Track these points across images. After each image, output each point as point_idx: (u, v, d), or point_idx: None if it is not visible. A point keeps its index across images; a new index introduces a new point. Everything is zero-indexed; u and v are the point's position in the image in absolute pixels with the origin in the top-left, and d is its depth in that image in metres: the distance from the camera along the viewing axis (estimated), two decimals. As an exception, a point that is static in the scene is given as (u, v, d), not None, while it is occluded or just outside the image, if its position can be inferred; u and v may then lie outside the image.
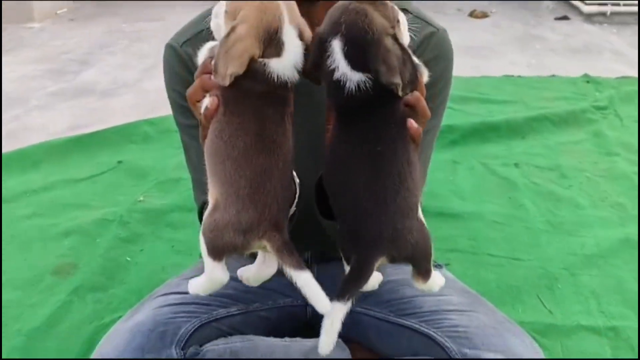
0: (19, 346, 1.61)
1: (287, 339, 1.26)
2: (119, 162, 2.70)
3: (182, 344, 1.13)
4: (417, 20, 1.16)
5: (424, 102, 0.91)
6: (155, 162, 2.68)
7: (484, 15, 5.49)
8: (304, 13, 1.09)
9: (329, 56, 0.87)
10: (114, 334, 1.16)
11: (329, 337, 0.88)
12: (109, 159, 2.72)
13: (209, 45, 0.92)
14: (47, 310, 1.74)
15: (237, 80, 0.84)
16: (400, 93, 0.86)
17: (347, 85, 0.87)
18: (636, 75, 3.75)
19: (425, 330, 1.20)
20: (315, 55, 0.89)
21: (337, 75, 0.87)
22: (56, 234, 2.14)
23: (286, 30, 0.87)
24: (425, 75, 0.93)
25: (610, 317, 1.70)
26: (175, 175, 2.52)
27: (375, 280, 1.00)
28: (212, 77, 0.86)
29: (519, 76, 3.83)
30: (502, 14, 5.44)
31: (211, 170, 0.90)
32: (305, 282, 0.87)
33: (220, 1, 0.91)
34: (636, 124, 3.05)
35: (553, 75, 3.83)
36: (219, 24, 0.90)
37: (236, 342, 1.20)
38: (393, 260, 0.91)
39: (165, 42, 1.23)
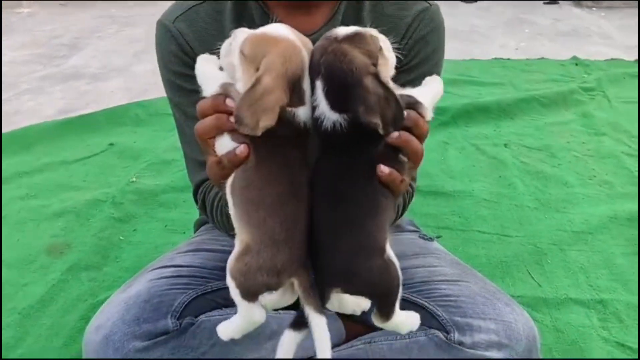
0: (13, 324, 1.62)
1: (281, 311, 1.27)
2: (111, 144, 2.70)
3: (177, 315, 1.14)
4: None
5: (416, 144, 0.89)
6: (146, 144, 2.68)
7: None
8: (299, 22, 1.11)
9: (314, 93, 0.87)
10: (109, 305, 1.17)
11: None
12: (101, 141, 2.72)
13: (219, 80, 0.89)
14: (41, 289, 1.75)
15: (267, 130, 0.83)
16: (381, 131, 0.85)
17: (324, 123, 0.87)
18: (624, 57, 3.78)
19: (417, 300, 1.21)
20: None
21: (317, 113, 0.87)
22: (49, 215, 2.14)
23: (305, 76, 0.87)
24: (428, 115, 0.91)
25: (598, 290, 1.73)
26: (168, 157, 2.53)
27: (357, 306, 1.00)
28: (232, 118, 0.84)
29: (509, 59, 3.85)
30: (492, -2, 5.45)
31: (242, 215, 0.90)
32: (319, 327, 0.90)
33: (230, 39, 0.88)
34: (624, 105, 3.08)
35: (542, 58, 3.85)
36: (232, 64, 0.87)
37: (231, 314, 1.20)
38: (352, 294, 0.93)
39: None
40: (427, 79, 0.96)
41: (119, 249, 1.95)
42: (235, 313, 1.21)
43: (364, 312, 1.31)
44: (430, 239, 1.46)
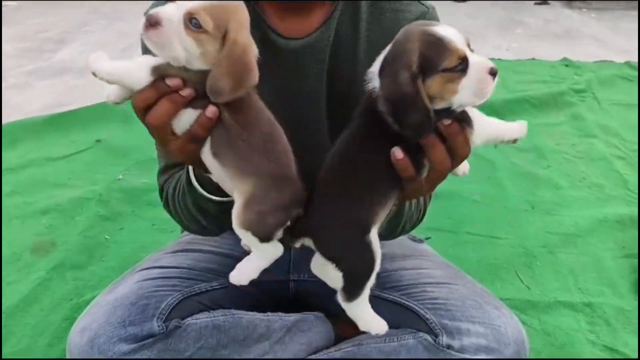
0: (-4, 323, 1.59)
1: (269, 313, 1.26)
2: (98, 140, 2.67)
3: (163, 317, 1.13)
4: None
5: (441, 154, 0.87)
6: (134, 141, 2.65)
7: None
8: (293, 25, 1.10)
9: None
10: (95, 307, 1.15)
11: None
12: (87, 137, 2.69)
13: (144, 65, 0.85)
14: (25, 288, 1.72)
15: None
16: (393, 126, 0.85)
17: (369, 84, 0.89)
18: (614, 59, 3.79)
19: (406, 302, 1.21)
20: None
21: (371, 69, 0.89)
22: (34, 212, 2.11)
23: None
24: (471, 138, 0.88)
25: (586, 293, 1.73)
26: (155, 155, 2.49)
27: (337, 279, 0.99)
28: (185, 92, 0.85)
29: (500, 59, 3.85)
30: (483, -2, 5.46)
31: (236, 170, 0.90)
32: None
33: (163, 27, 0.83)
34: (614, 107, 3.09)
35: (533, 59, 3.86)
36: (177, 49, 0.83)
37: (218, 316, 1.19)
38: (319, 250, 0.93)
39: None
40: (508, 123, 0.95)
41: (105, 248, 1.92)
42: (222, 316, 1.20)
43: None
44: (420, 241, 1.45)
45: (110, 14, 4.76)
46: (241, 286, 1.27)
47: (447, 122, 0.85)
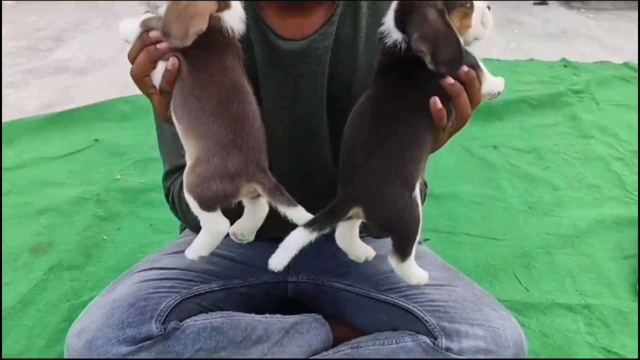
0: (-7, 324, 1.58)
1: (267, 315, 1.26)
2: (95, 140, 2.66)
3: (162, 319, 1.12)
4: None
5: (465, 100, 0.92)
6: (132, 140, 2.64)
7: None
8: (293, 26, 1.09)
9: (389, 11, 0.92)
10: (92, 308, 1.15)
11: (281, 256, 0.89)
12: (85, 136, 2.68)
13: (139, 20, 0.92)
14: (23, 289, 1.71)
15: (195, 39, 0.85)
16: (429, 65, 0.87)
17: (386, 40, 0.91)
18: (612, 59, 3.79)
19: (404, 304, 1.21)
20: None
21: (383, 27, 0.92)
22: (32, 212, 2.10)
23: None
24: (486, 82, 0.94)
25: (584, 295, 1.73)
26: (154, 154, 2.46)
27: (362, 250, 1.01)
28: (160, 45, 0.87)
29: (498, 59, 3.85)
30: (481, -3, 5.47)
31: (186, 129, 0.91)
32: (300, 217, 0.90)
33: None
34: (612, 108, 3.09)
35: (531, 59, 3.86)
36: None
37: (217, 318, 1.19)
38: (370, 218, 0.92)
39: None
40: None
41: (103, 248, 1.91)
42: (220, 317, 1.20)
43: (350, 317, 1.31)
44: (418, 242, 1.45)
45: (106, 12, 4.75)
46: (241, 287, 1.28)
47: (465, 69, 0.90)
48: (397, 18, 0.90)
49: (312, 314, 1.31)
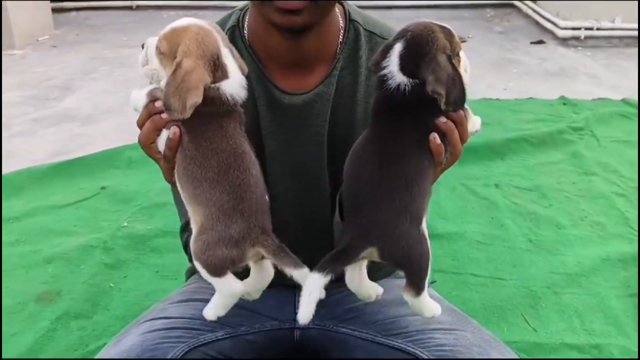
0: (1, 375, 1.58)
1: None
2: (102, 187, 2.69)
3: (170, 370, 1.12)
4: None
5: (457, 137, 0.98)
6: (139, 187, 2.67)
7: (462, 40, 5.58)
8: (294, 48, 1.13)
9: (388, 56, 0.96)
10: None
11: (307, 307, 0.90)
12: (92, 184, 2.71)
13: (145, 90, 0.97)
14: (30, 339, 1.72)
15: (195, 109, 0.89)
16: (443, 106, 0.93)
17: (390, 82, 0.95)
18: (610, 96, 3.84)
19: (412, 349, 1.20)
20: (378, 56, 0.99)
21: (385, 71, 0.96)
22: (39, 261, 2.12)
23: (224, 53, 0.94)
24: (471, 120, 1.02)
25: (593, 334, 1.72)
26: (160, 200, 2.51)
27: (371, 289, 1.02)
28: (164, 114, 0.92)
29: (497, 99, 3.89)
30: (478, 39, 5.54)
31: (190, 196, 0.94)
32: (306, 278, 0.91)
33: (144, 50, 0.98)
34: (612, 144, 3.12)
35: (530, 98, 3.90)
36: (153, 70, 0.96)
37: (224, 366, 1.19)
38: (383, 257, 0.94)
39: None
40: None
41: (110, 297, 1.92)
42: (229, 366, 1.20)
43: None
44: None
45: (112, 60, 4.84)
46: (248, 334, 1.28)
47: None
48: (405, 63, 0.95)
49: (318, 360, 1.31)
